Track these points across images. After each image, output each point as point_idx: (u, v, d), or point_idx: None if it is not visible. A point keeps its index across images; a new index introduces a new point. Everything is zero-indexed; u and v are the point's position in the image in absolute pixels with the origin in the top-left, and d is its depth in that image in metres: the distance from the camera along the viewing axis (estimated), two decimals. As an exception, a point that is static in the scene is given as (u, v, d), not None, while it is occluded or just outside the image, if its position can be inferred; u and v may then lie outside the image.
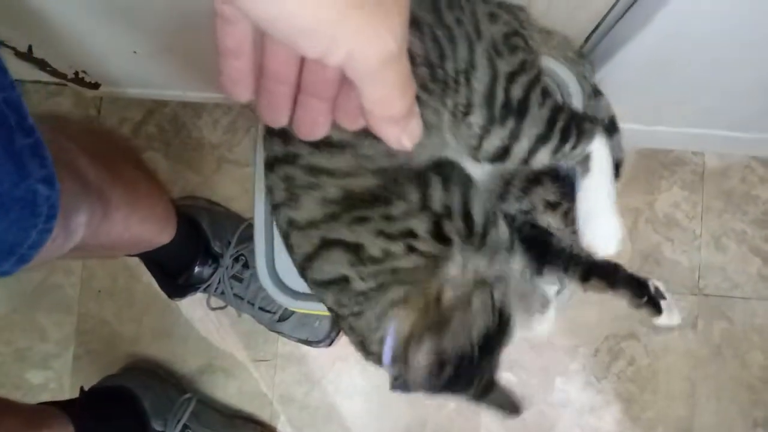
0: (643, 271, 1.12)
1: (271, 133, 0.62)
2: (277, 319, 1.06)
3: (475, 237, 0.58)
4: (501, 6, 0.62)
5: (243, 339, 1.14)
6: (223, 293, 1.04)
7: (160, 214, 0.87)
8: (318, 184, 0.58)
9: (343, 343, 1.12)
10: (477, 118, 0.58)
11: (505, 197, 0.67)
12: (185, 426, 1.02)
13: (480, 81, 0.57)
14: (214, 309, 1.07)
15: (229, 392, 1.14)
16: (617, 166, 0.71)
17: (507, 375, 1.12)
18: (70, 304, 1.17)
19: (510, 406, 0.61)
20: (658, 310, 0.64)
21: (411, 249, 0.57)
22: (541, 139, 0.60)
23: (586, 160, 0.64)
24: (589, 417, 1.13)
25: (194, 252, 1.01)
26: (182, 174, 1.16)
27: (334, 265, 0.59)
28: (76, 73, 0.98)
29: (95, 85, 1.04)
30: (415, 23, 0.56)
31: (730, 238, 1.14)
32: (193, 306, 1.14)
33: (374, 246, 0.57)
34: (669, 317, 0.64)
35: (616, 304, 1.10)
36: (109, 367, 1.13)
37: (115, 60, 0.92)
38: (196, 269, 1.01)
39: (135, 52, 0.85)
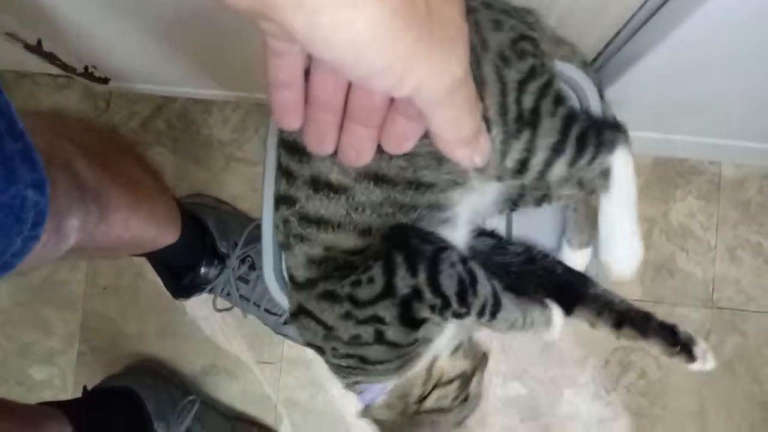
0: (656, 282, 1.11)
1: (279, 167, 0.60)
2: (283, 322, 1.05)
3: (454, 307, 0.55)
4: (506, 11, 0.60)
5: (248, 340, 1.13)
6: (228, 294, 1.03)
7: (163, 216, 0.86)
8: (307, 238, 0.58)
9: (349, 347, 1.11)
10: (495, 134, 0.56)
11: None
12: (188, 429, 1.00)
13: (491, 95, 0.55)
14: (219, 310, 1.05)
15: (232, 394, 1.13)
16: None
17: (516, 385, 1.11)
18: (75, 301, 1.16)
19: None
20: (691, 358, 0.62)
21: (379, 337, 0.55)
22: (556, 150, 0.57)
23: (606, 173, 0.61)
24: (597, 430, 1.11)
25: (200, 252, 1.00)
26: (190, 171, 1.15)
27: (311, 333, 0.59)
28: (86, 68, 0.97)
29: (105, 80, 1.02)
30: None
31: (745, 250, 1.12)
32: (198, 305, 1.13)
33: (343, 329, 0.56)
34: (703, 363, 0.63)
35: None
36: (113, 365, 1.12)
37: (126, 56, 0.90)
38: (202, 270, 1.00)
39: (146, 49, 0.84)
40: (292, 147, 0.58)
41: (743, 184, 1.13)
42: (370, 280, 0.54)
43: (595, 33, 0.74)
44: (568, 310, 0.63)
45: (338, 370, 0.62)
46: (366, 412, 0.64)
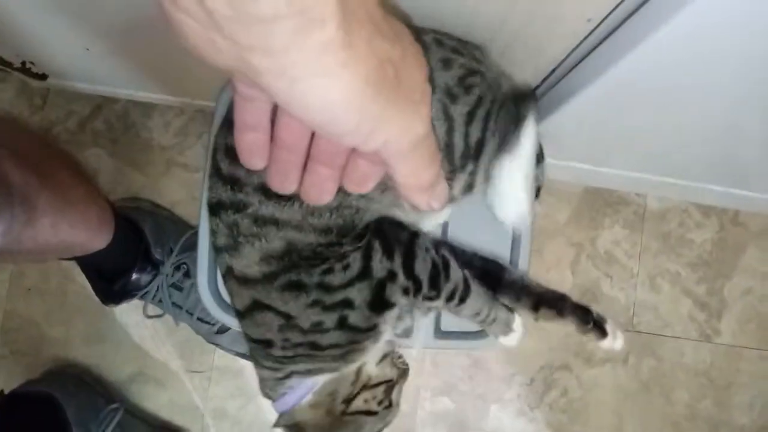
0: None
1: (219, 175, 0.60)
2: (216, 331, 1.04)
3: (425, 290, 0.59)
4: (456, 50, 0.62)
5: (178, 349, 1.11)
6: (161, 301, 1.01)
7: (93, 220, 0.84)
8: (263, 235, 0.58)
9: (282, 358, 1.11)
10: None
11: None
12: None
13: (438, 132, 0.58)
14: (150, 317, 1.03)
15: (159, 403, 1.11)
16: (538, 190, 0.75)
17: (445, 400, 1.13)
18: (-4, 302, 1.11)
19: None
20: (603, 334, 0.68)
21: (341, 323, 0.57)
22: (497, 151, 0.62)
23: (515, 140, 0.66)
24: (519, 446, 1.15)
25: (133, 257, 0.98)
26: (127, 174, 1.13)
27: (264, 327, 0.60)
28: (23, 63, 0.94)
29: (42, 77, 0.99)
30: None
31: (664, 278, 1.18)
32: (129, 311, 1.10)
33: (305, 317, 0.57)
34: (613, 340, 0.69)
35: (552, 334, 1.14)
36: (35, 370, 1.08)
37: (66, 54, 0.88)
38: (134, 275, 0.98)
39: (87, 49, 0.82)
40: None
41: (665, 217, 1.19)
42: (346, 267, 0.57)
43: (532, 68, 0.78)
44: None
45: (277, 360, 0.62)
46: (285, 417, 0.65)
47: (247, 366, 1.11)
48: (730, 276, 1.19)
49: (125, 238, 0.95)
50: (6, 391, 0.98)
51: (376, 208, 0.60)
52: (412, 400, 1.13)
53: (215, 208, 0.61)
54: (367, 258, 0.57)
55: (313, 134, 0.34)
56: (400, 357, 0.71)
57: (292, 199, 0.57)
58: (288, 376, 0.63)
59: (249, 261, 0.59)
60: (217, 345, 1.06)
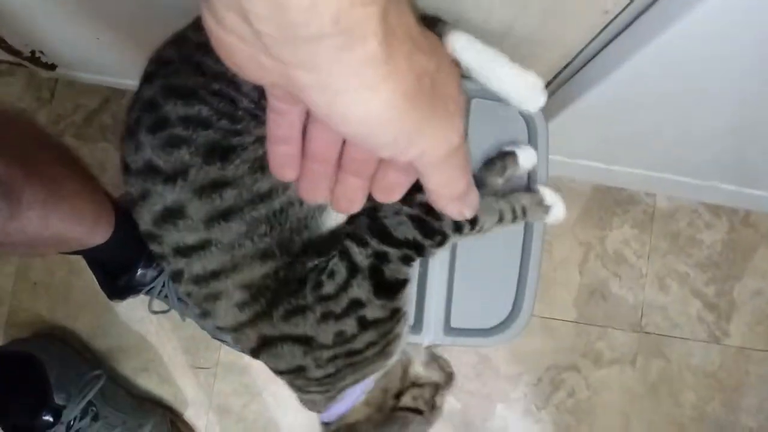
0: (589, 305, 1.15)
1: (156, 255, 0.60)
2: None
3: (427, 244, 0.58)
4: None
5: (183, 344, 1.11)
6: (166, 297, 1.01)
7: (90, 214, 0.83)
8: (218, 293, 0.56)
9: (287, 355, 1.10)
10: None
11: None
12: (90, 403, 0.97)
13: None
14: (155, 312, 1.03)
15: (164, 397, 1.10)
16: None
17: (451, 399, 1.12)
18: (2, 295, 1.11)
19: None
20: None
21: (362, 323, 0.56)
22: None
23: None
24: (526, 446, 1.14)
25: (137, 253, 0.97)
26: (135, 169, 1.12)
27: (288, 357, 0.58)
28: (33, 52, 0.94)
29: (51, 67, 0.99)
30: None
31: (673, 279, 1.17)
32: (134, 306, 1.10)
33: (325, 334, 0.56)
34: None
35: (560, 334, 1.13)
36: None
37: (76, 44, 0.88)
38: (139, 271, 0.97)
39: (98, 38, 0.82)
40: (148, 236, 0.58)
41: (674, 216, 1.18)
42: (331, 274, 0.56)
43: (546, 62, 0.77)
44: None
45: (322, 383, 0.61)
46: (335, 424, 0.65)
47: (253, 363, 1.11)
48: (739, 277, 1.18)
49: (128, 233, 0.94)
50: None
51: (295, 212, 0.58)
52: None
53: (172, 277, 0.60)
54: (345, 256, 0.56)
55: (342, 146, 0.35)
56: (444, 363, 0.71)
57: (203, 247, 0.55)
58: (341, 391, 0.63)
59: (228, 315, 0.57)
60: (222, 341, 1.05)
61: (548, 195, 0.67)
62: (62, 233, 0.77)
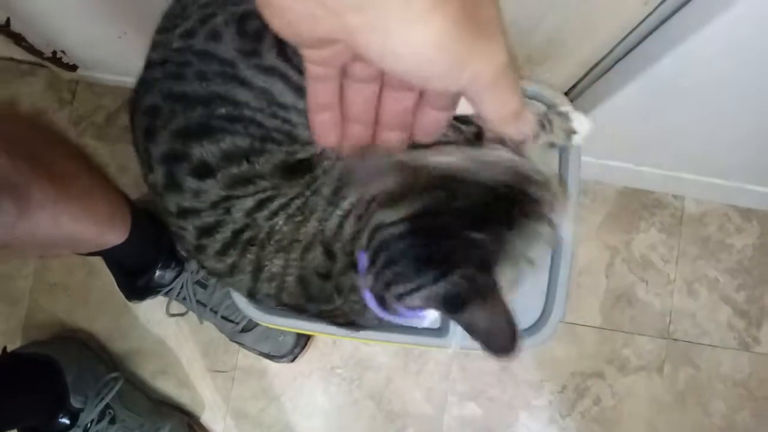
0: (615, 310, 1.12)
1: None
2: (240, 330, 1.01)
3: None
4: None
5: (201, 347, 1.09)
6: (185, 298, 0.99)
7: (102, 214, 0.81)
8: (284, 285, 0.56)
9: (307, 359, 1.08)
10: None
11: None
12: (107, 405, 0.96)
13: None
14: (173, 315, 1.02)
15: (181, 401, 1.09)
16: None
17: (472, 405, 1.10)
18: (20, 297, 1.10)
19: (498, 341, 0.41)
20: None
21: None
22: None
23: None
24: (550, 455, 1.11)
25: (156, 254, 0.96)
26: (154, 170, 1.11)
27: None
28: (54, 53, 0.94)
29: (73, 67, 0.99)
30: None
31: (702, 284, 1.14)
32: (153, 308, 1.09)
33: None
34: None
35: (584, 340, 1.10)
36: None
37: (97, 43, 0.88)
38: (158, 272, 0.96)
39: (120, 36, 0.81)
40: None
41: (703, 220, 1.15)
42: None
43: (579, 58, 0.75)
44: None
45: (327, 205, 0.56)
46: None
47: (271, 366, 1.09)
48: (771, 283, 1.15)
49: (146, 234, 0.93)
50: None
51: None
52: (439, 405, 1.10)
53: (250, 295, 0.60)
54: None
55: (378, 105, 0.37)
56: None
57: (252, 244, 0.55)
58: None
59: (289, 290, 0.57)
60: (240, 344, 1.04)
61: (569, 110, 0.66)
62: (74, 233, 0.76)
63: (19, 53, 0.93)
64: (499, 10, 0.31)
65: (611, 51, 0.71)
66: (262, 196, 0.54)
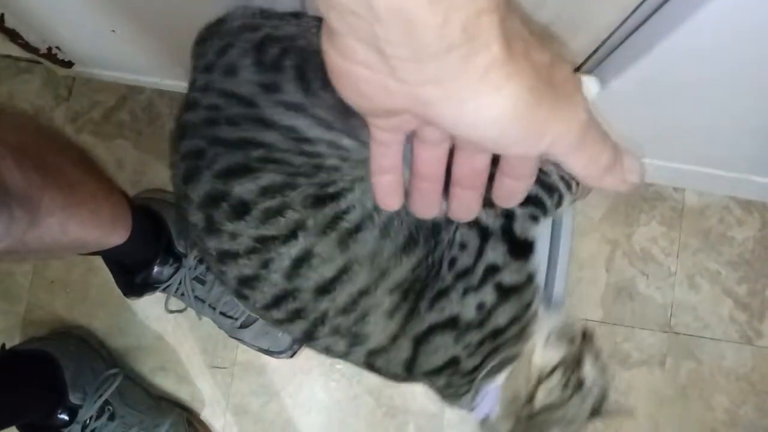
0: (616, 304, 1.12)
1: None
2: (239, 326, 1.01)
3: (547, 203, 0.60)
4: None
5: (200, 343, 1.09)
6: (183, 294, 0.99)
7: (106, 217, 0.81)
8: (367, 310, 0.56)
9: (306, 355, 1.08)
10: None
11: None
12: (106, 402, 0.96)
13: None
14: (172, 311, 1.01)
15: (180, 397, 1.09)
16: None
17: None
18: (19, 293, 1.10)
19: None
20: None
21: (500, 290, 0.56)
22: None
23: None
24: (551, 449, 1.11)
25: (154, 251, 0.96)
26: (152, 166, 1.11)
27: (442, 349, 0.58)
28: (49, 49, 0.93)
29: (68, 64, 0.99)
30: None
31: (704, 277, 1.13)
32: (151, 305, 1.09)
33: (466, 309, 0.56)
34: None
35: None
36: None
37: (92, 38, 0.87)
38: (156, 269, 0.96)
39: (113, 31, 0.81)
40: (281, 296, 0.59)
41: (704, 213, 1.15)
42: (464, 246, 0.56)
43: (575, 47, 0.75)
44: None
45: (468, 379, 0.60)
46: (486, 424, 0.64)
47: (270, 362, 1.09)
48: (773, 276, 1.14)
49: (145, 231, 0.93)
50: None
51: None
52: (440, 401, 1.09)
53: (308, 338, 0.60)
54: (472, 224, 0.56)
55: (449, 163, 0.37)
56: (569, 328, 0.65)
57: (347, 271, 0.56)
58: (479, 388, 0.62)
59: (379, 328, 0.57)
60: (239, 340, 1.04)
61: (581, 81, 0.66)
62: (81, 238, 0.76)
63: (15, 50, 0.93)
64: (572, 70, 0.31)
65: (610, 36, 0.71)
66: (296, 252, 0.55)
